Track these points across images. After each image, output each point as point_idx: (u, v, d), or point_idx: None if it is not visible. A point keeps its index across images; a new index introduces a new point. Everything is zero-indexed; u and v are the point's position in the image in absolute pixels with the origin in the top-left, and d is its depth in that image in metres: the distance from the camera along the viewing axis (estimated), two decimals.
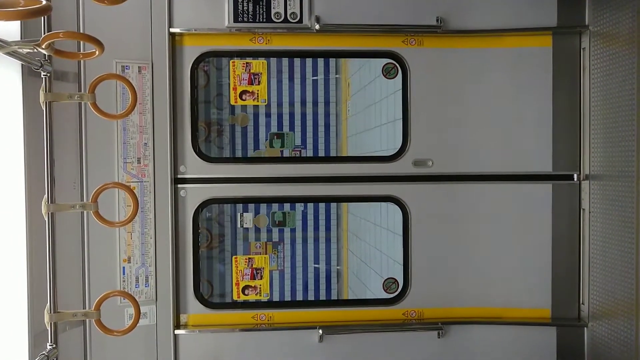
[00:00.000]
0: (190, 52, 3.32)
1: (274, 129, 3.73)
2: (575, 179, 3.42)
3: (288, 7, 3.28)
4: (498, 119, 3.44)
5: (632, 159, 2.95)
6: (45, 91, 2.60)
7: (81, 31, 3.01)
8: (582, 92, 3.40)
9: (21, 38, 2.57)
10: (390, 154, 3.46)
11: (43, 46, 2.29)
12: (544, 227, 3.44)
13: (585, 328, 3.39)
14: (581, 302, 3.44)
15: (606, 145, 3.21)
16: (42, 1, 1.98)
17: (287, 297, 3.82)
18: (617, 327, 3.10)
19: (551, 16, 3.37)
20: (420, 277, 3.47)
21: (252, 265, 3.49)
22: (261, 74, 3.43)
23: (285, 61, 3.71)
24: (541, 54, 3.41)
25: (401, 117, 3.43)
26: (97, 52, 2.38)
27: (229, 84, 3.43)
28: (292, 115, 3.77)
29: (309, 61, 3.82)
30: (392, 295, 3.53)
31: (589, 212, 3.36)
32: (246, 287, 3.48)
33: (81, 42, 3.04)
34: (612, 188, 3.16)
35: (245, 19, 3.28)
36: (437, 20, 3.33)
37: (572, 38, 3.41)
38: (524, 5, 3.37)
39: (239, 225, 3.65)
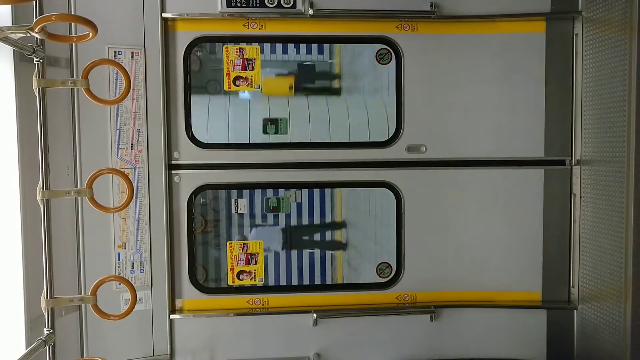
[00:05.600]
0: (183, 38, 3.31)
1: (267, 115, 3.72)
2: (567, 165, 3.46)
3: None
4: (491, 105, 3.45)
5: (623, 145, 2.98)
6: (39, 77, 2.58)
7: None
8: (574, 78, 3.41)
9: (13, 24, 2.54)
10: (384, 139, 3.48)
11: (36, 30, 2.27)
12: (536, 211, 3.48)
13: (575, 311, 3.45)
14: (571, 285, 3.49)
15: (597, 131, 3.24)
16: None
17: (282, 282, 3.85)
18: (606, 310, 3.16)
19: (544, 2, 3.37)
20: (413, 262, 3.51)
21: (246, 250, 3.51)
22: (255, 59, 3.42)
23: (279, 46, 3.69)
24: (534, 40, 3.41)
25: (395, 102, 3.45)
26: (90, 35, 2.36)
27: (223, 69, 3.42)
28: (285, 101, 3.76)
29: (302, 46, 3.80)
30: (385, 280, 3.57)
31: (580, 197, 3.40)
32: (241, 272, 3.51)
33: (73, 28, 3.02)
34: (602, 173, 3.19)
35: (238, 4, 3.26)
36: (431, 6, 3.33)
37: (565, 24, 3.41)
38: None
39: (233, 211, 3.66)
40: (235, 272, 3.51)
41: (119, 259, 3.22)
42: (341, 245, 3.95)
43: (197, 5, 3.26)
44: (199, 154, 3.37)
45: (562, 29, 3.41)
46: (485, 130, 3.47)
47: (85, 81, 2.58)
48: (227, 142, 3.56)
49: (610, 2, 3.07)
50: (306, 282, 3.77)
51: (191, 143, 3.35)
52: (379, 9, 3.34)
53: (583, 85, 3.35)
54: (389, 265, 3.58)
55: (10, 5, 2.56)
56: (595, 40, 3.23)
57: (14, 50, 2.58)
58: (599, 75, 3.20)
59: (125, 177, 2.69)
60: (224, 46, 3.39)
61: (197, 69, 3.51)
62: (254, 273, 3.52)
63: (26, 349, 2.56)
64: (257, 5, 3.27)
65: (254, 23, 3.34)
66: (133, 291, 2.69)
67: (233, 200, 3.64)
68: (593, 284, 3.29)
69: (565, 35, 3.41)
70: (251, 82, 3.43)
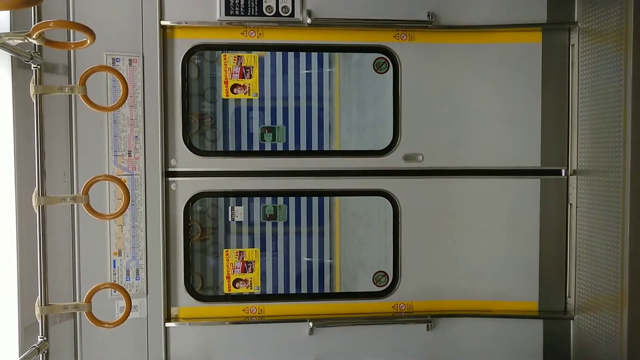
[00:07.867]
0: (182, 45, 3.32)
1: (265, 122, 3.72)
2: (563, 174, 3.47)
3: (280, 0, 3.27)
4: (487, 114, 3.47)
5: (619, 155, 2.99)
6: (36, 84, 2.58)
7: None
8: (570, 88, 3.44)
9: (10, 30, 2.55)
10: (381, 148, 3.49)
11: (34, 36, 2.28)
12: (532, 221, 3.49)
13: (572, 321, 3.44)
14: (567, 295, 3.49)
15: (594, 141, 3.26)
16: None
17: (279, 290, 3.83)
18: (602, 320, 3.15)
19: (541, 12, 3.40)
20: (409, 271, 3.50)
21: (243, 258, 3.50)
22: (252, 67, 3.43)
23: (277, 55, 3.70)
24: (531, 50, 3.44)
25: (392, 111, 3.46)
26: (88, 41, 2.36)
27: (221, 77, 3.43)
28: (284, 109, 3.77)
29: (301, 55, 3.81)
30: (382, 289, 3.57)
31: (576, 207, 3.40)
32: (237, 280, 3.49)
33: (71, 35, 3.02)
34: (599, 183, 3.20)
35: (236, 12, 3.27)
36: (429, 16, 3.35)
37: (561, 34, 3.44)
38: (514, 1, 3.39)
39: (230, 219, 3.65)
40: (232, 280, 3.50)
41: (114, 266, 3.20)
42: (337, 254, 3.94)
43: (195, 13, 3.27)
44: (196, 161, 3.37)
45: (559, 39, 3.44)
46: (482, 140, 3.48)
47: (83, 88, 2.58)
48: (225, 149, 3.56)
49: (606, 13, 3.10)
50: (302, 290, 3.76)
51: (188, 150, 3.35)
52: (376, 19, 3.36)
53: (579, 95, 3.37)
54: (386, 274, 3.58)
55: (8, 12, 2.56)
56: (591, 51, 3.25)
57: (11, 56, 2.58)
58: (594, 86, 3.22)
59: (122, 184, 2.69)
60: (222, 54, 3.40)
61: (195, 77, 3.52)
62: (250, 281, 3.51)
63: (19, 357, 2.54)
64: (256, 13, 3.29)
65: (252, 31, 3.36)
66: (128, 299, 2.67)
67: (230, 208, 3.64)
68: (589, 294, 3.29)
69: (561, 45, 3.44)
70: (249, 90, 3.44)
